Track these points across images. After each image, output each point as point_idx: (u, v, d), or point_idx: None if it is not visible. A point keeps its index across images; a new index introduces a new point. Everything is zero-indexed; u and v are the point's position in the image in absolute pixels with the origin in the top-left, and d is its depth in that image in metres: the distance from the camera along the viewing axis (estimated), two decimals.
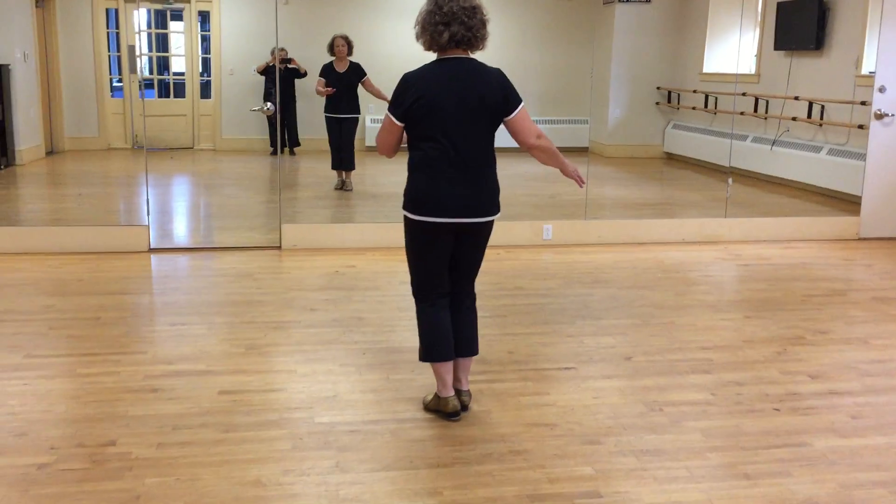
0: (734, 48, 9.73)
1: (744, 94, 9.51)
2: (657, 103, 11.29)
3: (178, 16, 11.86)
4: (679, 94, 10.99)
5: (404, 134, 3.31)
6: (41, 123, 10.50)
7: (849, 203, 7.51)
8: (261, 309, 4.84)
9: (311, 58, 8.93)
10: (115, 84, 11.79)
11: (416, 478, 2.95)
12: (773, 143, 9.10)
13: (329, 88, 8.12)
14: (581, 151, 8.18)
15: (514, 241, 6.52)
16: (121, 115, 11.49)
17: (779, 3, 9.13)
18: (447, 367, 3.40)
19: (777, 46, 9.23)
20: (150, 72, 12.02)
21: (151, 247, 6.21)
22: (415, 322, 3.51)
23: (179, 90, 12.12)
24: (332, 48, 8.18)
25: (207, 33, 11.65)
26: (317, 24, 9.81)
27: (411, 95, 3.19)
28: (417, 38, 3.29)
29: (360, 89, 8.19)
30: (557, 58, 11.02)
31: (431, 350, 3.40)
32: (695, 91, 10.49)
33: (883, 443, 3.28)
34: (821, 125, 8.52)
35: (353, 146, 8.40)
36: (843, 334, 4.60)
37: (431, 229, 3.26)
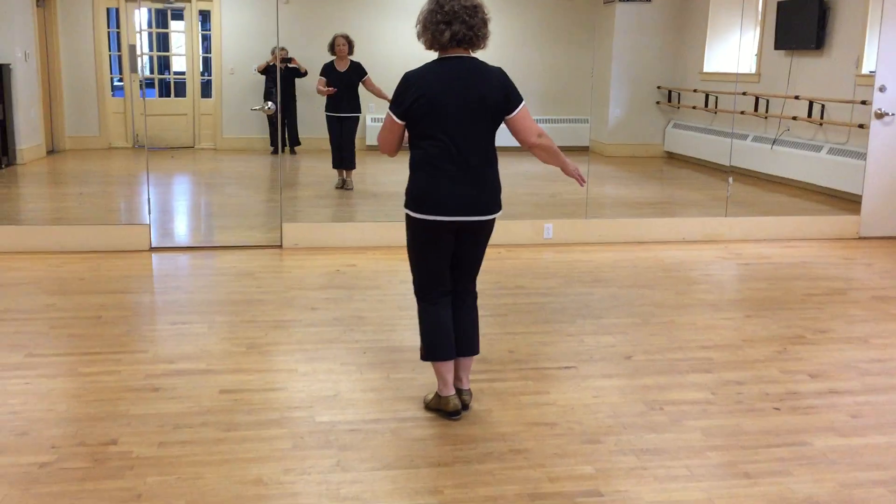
0: (734, 47, 9.72)
1: (744, 94, 9.51)
2: (658, 102, 11.29)
3: (178, 15, 11.87)
4: (679, 94, 10.98)
5: (406, 133, 3.32)
6: (42, 123, 10.50)
7: (849, 202, 7.51)
8: (261, 308, 4.84)
9: (312, 57, 8.93)
10: (115, 83, 11.79)
11: (416, 477, 2.95)
12: (774, 142, 9.10)
13: (330, 88, 8.13)
14: (581, 150, 8.19)
15: (514, 239, 6.52)
16: (122, 115, 11.49)
17: (779, 3, 9.13)
18: (448, 367, 3.40)
19: (777, 46, 9.23)
20: (151, 71, 12.03)
21: (152, 246, 6.21)
22: (416, 321, 3.51)
23: (180, 89, 12.14)
24: (332, 47, 8.19)
25: (208, 32, 11.65)
26: (317, 23, 9.82)
27: (412, 94, 3.20)
28: (419, 37, 3.29)
29: (361, 88, 8.19)
30: (558, 57, 11.03)
31: (433, 349, 3.40)
32: (695, 90, 10.49)
33: (883, 442, 3.28)
34: (821, 124, 8.52)
35: (353, 145, 8.40)
36: (844, 333, 4.60)
37: (433, 227, 3.26)
